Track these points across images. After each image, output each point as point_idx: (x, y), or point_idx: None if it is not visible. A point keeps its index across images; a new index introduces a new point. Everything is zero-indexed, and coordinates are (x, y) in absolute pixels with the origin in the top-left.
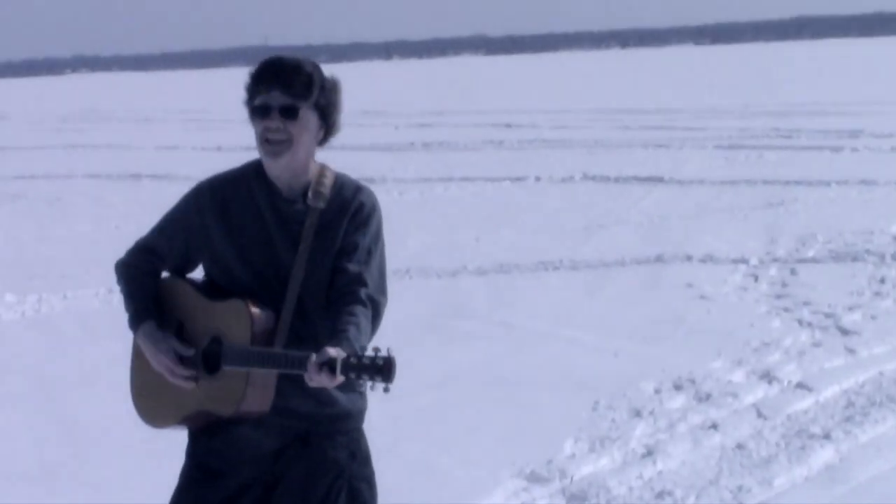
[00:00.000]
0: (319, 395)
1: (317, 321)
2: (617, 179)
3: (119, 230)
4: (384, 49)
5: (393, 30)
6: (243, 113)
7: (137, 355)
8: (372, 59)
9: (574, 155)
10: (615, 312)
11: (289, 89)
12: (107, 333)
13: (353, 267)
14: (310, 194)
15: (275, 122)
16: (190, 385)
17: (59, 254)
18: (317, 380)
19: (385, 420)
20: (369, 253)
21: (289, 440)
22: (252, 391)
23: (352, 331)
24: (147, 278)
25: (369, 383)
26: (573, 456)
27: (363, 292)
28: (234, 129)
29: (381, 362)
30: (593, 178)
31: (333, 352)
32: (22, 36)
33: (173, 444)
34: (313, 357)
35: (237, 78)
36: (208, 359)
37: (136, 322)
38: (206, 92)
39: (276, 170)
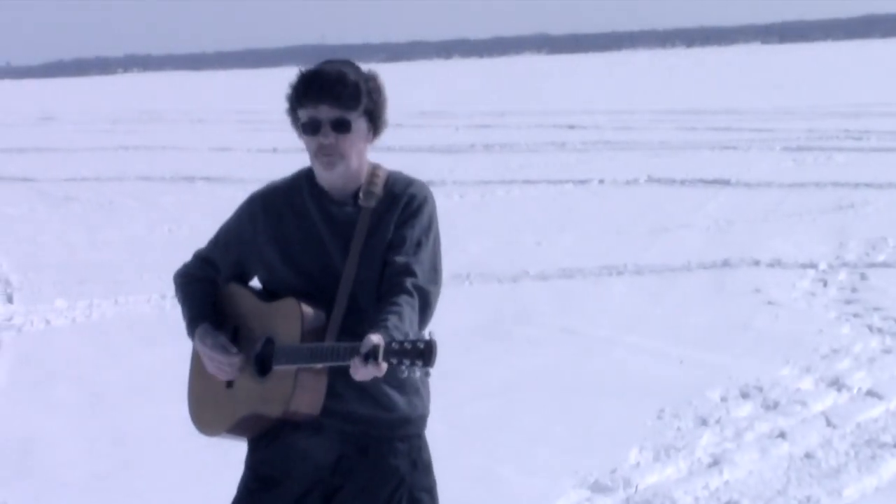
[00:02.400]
0: (378, 399)
1: (368, 319)
2: (682, 182)
3: (172, 233)
4: (444, 48)
5: (453, 28)
6: None
7: (195, 362)
8: (431, 59)
9: (638, 157)
10: (680, 318)
11: (337, 102)
12: (159, 340)
13: (400, 259)
14: (361, 195)
15: (328, 138)
16: (234, 374)
17: (111, 258)
18: (362, 371)
19: (446, 428)
20: (419, 245)
21: (348, 449)
22: (301, 391)
23: (392, 319)
24: (203, 285)
25: (410, 368)
26: (638, 465)
27: (409, 282)
28: (289, 130)
29: (421, 346)
30: (658, 180)
31: (376, 338)
32: (72, 34)
33: (227, 455)
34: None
35: (293, 77)
36: (262, 362)
37: (191, 327)
38: (262, 92)
39: (331, 180)
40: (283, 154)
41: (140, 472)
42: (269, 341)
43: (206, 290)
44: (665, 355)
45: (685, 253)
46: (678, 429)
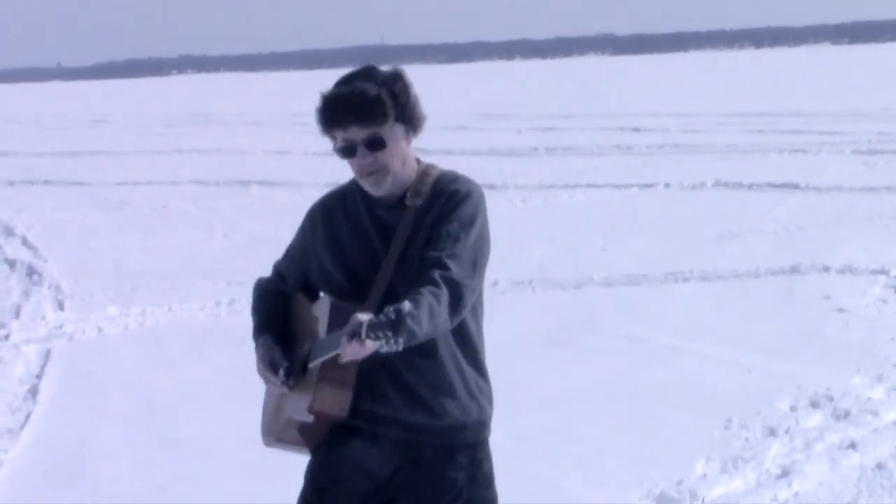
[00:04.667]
0: (428, 404)
1: None
2: (751, 186)
3: (227, 239)
4: (506, 48)
5: (515, 28)
6: None
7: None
8: (493, 60)
9: (705, 160)
10: (748, 326)
11: (365, 121)
12: (214, 348)
13: (434, 253)
14: (408, 195)
15: (366, 158)
16: (283, 389)
17: (165, 264)
18: (348, 349)
19: (507, 439)
20: (457, 239)
21: (403, 459)
22: (323, 388)
23: (406, 305)
24: (272, 296)
25: (386, 341)
26: (704, 477)
27: (438, 273)
28: None
29: (392, 315)
30: (726, 184)
31: (363, 316)
32: (125, 35)
33: (285, 466)
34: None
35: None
36: (305, 366)
37: (254, 338)
38: (319, 94)
39: (382, 192)
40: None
41: (195, 483)
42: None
43: (275, 302)
44: (733, 364)
45: (753, 259)
46: (746, 439)
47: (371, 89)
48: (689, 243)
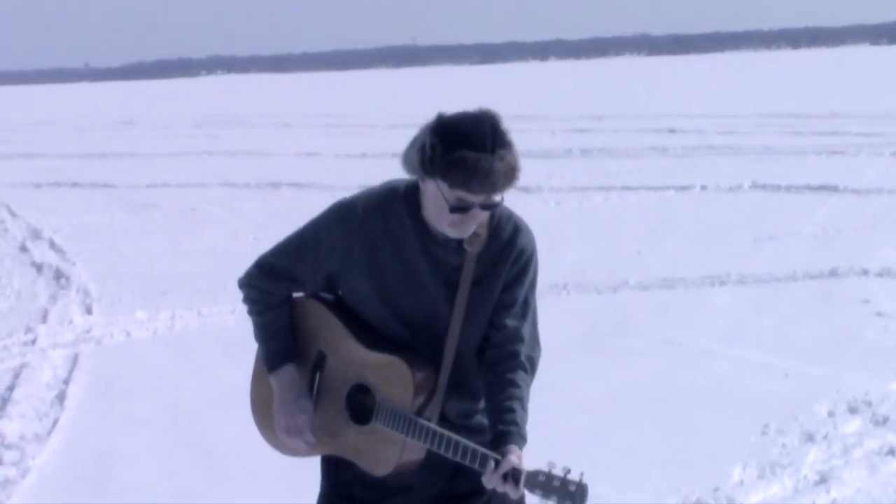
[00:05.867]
0: (469, 426)
1: (471, 374)
2: (788, 188)
3: (257, 242)
4: (540, 49)
5: (549, 29)
6: (389, 118)
7: (259, 378)
8: (527, 60)
9: (742, 162)
10: (786, 330)
11: (493, 189)
12: (244, 353)
13: (511, 322)
14: (466, 237)
15: (477, 218)
16: (303, 449)
17: (193, 267)
18: (498, 486)
19: (540, 444)
20: (526, 304)
21: (439, 472)
22: (406, 457)
23: (518, 414)
24: (286, 309)
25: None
26: (741, 483)
27: (523, 353)
28: (379, 134)
29: (572, 488)
30: (763, 186)
31: (515, 459)
32: (154, 35)
33: (314, 475)
34: (492, 464)
35: (383, 80)
36: (355, 407)
37: (274, 363)
38: (350, 95)
39: (452, 237)
40: (372, 159)
41: (225, 490)
42: (362, 388)
43: (287, 316)
44: (770, 368)
45: (791, 262)
46: (783, 445)
47: (513, 161)
48: (726, 246)
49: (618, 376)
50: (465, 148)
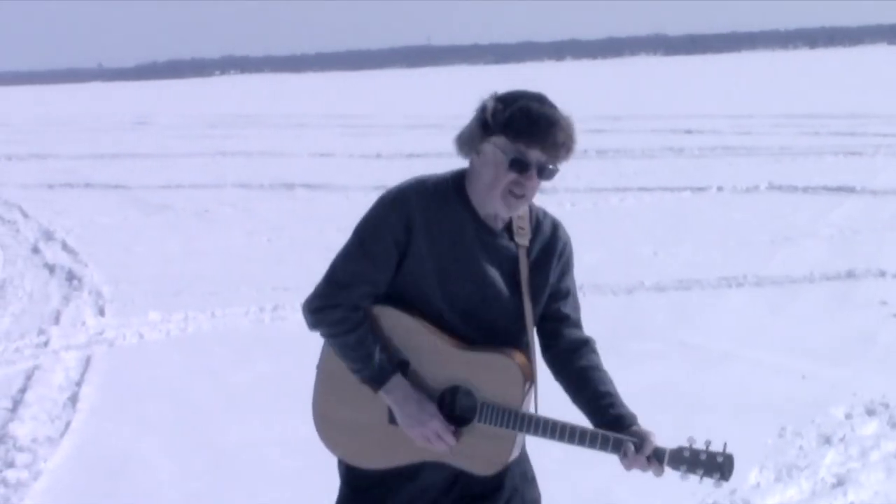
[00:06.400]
0: None
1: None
2: (805, 189)
3: (271, 243)
4: (555, 49)
5: (564, 29)
6: (404, 118)
7: (336, 382)
8: (542, 60)
9: (759, 163)
10: (803, 332)
11: (554, 150)
12: (258, 355)
13: (571, 312)
14: (514, 229)
15: (531, 181)
16: (444, 449)
17: (207, 269)
18: (643, 468)
19: (556, 446)
20: (575, 294)
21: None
22: (516, 451)
23: (618, 395)
24: (369, 322)
25: (702, 478)
26: (758, 486)
27: (590, 340)
28: (394, 134)
29: (720, 459)
30: (780, 187)
31: (654, 438)
32: (167, 35)
33: (330, 476)
34: (630, 447)
35: (397, 80)
36: (451, 411)
37: (381, 378)
38: (365, 95)
39: (510, 215)
40: (387, 160)
41: (237, 492)
42: (454, 390)
43: (371, 328)
44: (786, 370)
45: (808, 263)
46: (800, 447)
47: (573, 129)
48: (742, 247)
49: (634, 378)
50: (528, 100)
